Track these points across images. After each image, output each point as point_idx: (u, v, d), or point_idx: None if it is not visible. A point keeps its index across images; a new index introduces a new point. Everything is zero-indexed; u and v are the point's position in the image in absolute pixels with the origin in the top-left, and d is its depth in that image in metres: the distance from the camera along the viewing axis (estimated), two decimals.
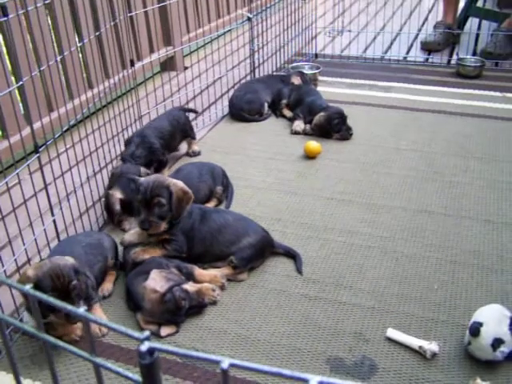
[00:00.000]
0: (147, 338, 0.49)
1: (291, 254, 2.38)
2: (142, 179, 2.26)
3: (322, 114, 3.42)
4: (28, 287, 0.55)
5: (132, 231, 2.35)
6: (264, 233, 2.37)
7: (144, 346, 0.49)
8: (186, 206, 2.26)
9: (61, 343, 0.54)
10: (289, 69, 4.31)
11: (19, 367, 1.87)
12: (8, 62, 3.06)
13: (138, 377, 0.53)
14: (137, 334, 0.51)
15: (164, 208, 2.20)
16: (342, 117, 3.40)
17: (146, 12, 4.07)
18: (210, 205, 2.70)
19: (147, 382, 0.50)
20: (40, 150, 2.13)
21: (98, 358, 0.53)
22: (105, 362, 0.54)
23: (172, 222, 2.25)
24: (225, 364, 0.46)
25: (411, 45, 5.09)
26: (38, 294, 0.56)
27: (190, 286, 2.06)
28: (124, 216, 2.57)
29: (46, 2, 2.50)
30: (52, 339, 0.54)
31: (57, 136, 2.31)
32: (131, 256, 2.21)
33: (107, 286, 2.21)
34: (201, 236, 2.30)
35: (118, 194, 2.55)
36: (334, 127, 3.38)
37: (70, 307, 0.54)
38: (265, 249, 2.35)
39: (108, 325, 0.54)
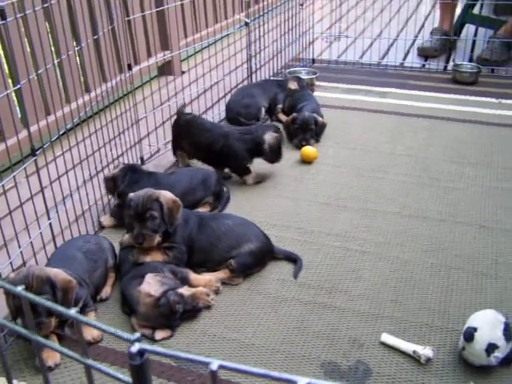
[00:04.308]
0: (138, 340, 0.50)
1: (292, 259, 2.38)
2: (132, 194, 2.27)
3: (294, 114, 3.43)
4: (20, 288, 0.55)
5: (129, 234, 2.35)
6: (265, 239, 2.36)
7: (134, 348, 0.50)
8: (177, 214, 2.27)
9: (49, 343, 0.54)
10: (286, 74, 4.32)
11: (13, 370, 1.86)
12: (5, 65, 3.06)
13: (128, 378, 0.53)
14: (127, 335, 0.51)
15: (156, 221, 2.21)
16: (303, 125, 3.33)
17: (143, 16, 4.08)
18: (202, 210, 2.70)
19: (137, 382, 0.51)
20: (37, 153, 2.14)
21: (89, 360, 0.54)
22: (95, 363, 0.54)
23: (167, 231, 2.25)
24: (214, 366, 0.47)
25: (408, 51, 5.11)
26: (30, 295, 0.56)
27: (184, 290, 2.06)
28: None
29: (45, 5, 2.51)
30: (43, 340, 0.55)
31: (54, 139, 2.31)
32: (132, 257, 2.22)
33: (106, 290, 2.22)
34: (199, 246, 2.30)
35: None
36: (293, 131, 3.38)
37: (61, 309, 0.54)
38: (265, 256, 2.35)
39: (98, 326, 0.55)
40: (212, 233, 2.31)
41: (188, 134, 3.05)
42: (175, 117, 3.17)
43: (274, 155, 2.96)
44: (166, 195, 2.27)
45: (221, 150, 2.95)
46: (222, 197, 2.82)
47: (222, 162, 3.00)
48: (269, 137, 2.92)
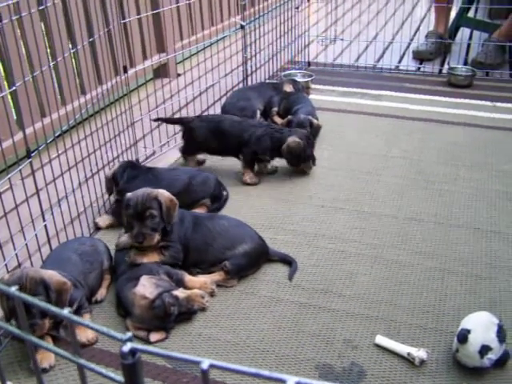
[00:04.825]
0: (129, 339, 0.50)
1: (287, 261, 2.38)
2: (129, 194, 2.27)
3: (289, 116, 3.46)
4: (14, 289, 0.56)
5: (127, 234, 2.35)
6: (260, 241, 2.37)
7: (126, 347, 0.50)
8: (174, 212, 2.28)
9: (44, 343, 0.54)
10: (281, 77, 4.33)
11: (7, 372, 1.86)
12: (1, 67, 3.07)
13: (120, 377, 0.54)
14: (119, 335, 0.52)
15: (156, 219, 2.22)
16: (298, 128, 3.30)
17: (139, 19, 4.09)
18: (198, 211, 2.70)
19: (129, 382, 0.51)
20: (32, 155, 2.14)
21: (82, 359, 0.54)
22: (88, 363, 0.55)
23: (165, 229, 2.25)
24: (205, 365, 0.47)
25: (403, 54, 5.13)
26: (23, 295, 0.57)
27: (179, 293, 2.06)
28: None
29: (41, 8, 2.52)
30: (36, 339, 0.55)
31: (49, 141, 2.31)
32: (129, 258, 2.22)
33: (101, 291, 2.22)
34: (194, 245, 2.30)
35: None
36: None
37: (54, 308, 0.54)
38: (260, 258, 2.35)
39: (91, 326, 0.55)
40: (207, 232, 2.32)
41: (215, 133, 3.07)
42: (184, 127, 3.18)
43: (291, 158, 3.01)
44: (163, 194, 2.28)
45: (248, 140, 3.01)
46: (221, 199, 2.82)
47: (242, 150, 3.05)
48: (291, 139, 2.97)
